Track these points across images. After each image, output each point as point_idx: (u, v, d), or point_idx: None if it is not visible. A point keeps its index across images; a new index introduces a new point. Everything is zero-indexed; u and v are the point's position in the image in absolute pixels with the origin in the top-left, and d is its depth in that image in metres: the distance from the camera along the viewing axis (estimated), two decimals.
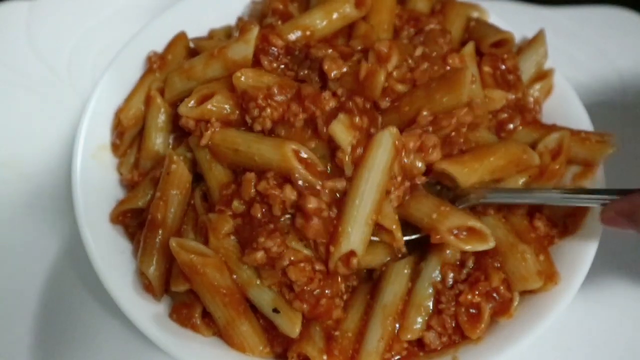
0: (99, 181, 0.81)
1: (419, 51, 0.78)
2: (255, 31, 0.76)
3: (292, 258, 0.67)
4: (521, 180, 0.79)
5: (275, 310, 0.68)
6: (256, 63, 0.78)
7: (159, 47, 0.90)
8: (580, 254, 0.75)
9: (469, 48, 0.85)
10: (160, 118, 0.83)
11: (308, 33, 0.79)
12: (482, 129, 0.79)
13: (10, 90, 1.04)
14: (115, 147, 0.85)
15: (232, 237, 0.71)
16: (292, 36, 0.79)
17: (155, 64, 0.87)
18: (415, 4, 0.90)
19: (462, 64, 0.79)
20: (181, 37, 0.90)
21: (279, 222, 0.69)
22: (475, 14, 0.93)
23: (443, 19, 0.88)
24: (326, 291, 0.68)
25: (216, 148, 0.73)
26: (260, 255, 0.67)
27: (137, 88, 0.87)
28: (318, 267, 0.68)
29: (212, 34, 0.93)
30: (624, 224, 0.66)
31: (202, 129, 0.74)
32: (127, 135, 0.84)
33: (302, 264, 0.67)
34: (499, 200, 0.75)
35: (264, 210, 0.69)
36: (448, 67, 0.78)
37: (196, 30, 0.92)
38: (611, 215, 0.67)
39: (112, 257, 0.76)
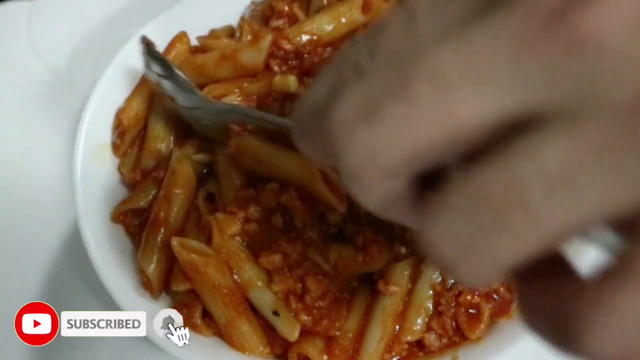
0: (99, 181, 0.81)
1: None
2: (268, 39, 0.76)
3: (308, 269, 0.68)
4: None
5: (276, 313, 0.68)
6: (265, 66, 0.78)
7: (160, 47, 0.90)
8: (580, 255, 0.75)
9: None
10: (164, 117, 0.83)
11: (315, 38, 0.79)
12: None
13: (10, 90, 1.04)
14: (116, 147, 0.85)
15: (237, 238, 0.71)
16: (299, 40, 0.79)
17: None
18: None
19: None
20: (182, 36, 0.90)
21: (302, 233, 0.69)
22: None
23: None
24: (332, 314, 0.69)
25: (238, 156, 0.73)
26: (278, 258, 0.67)
27: (138, 88, 0.87)
28: (332, 288, 0.69)
29: (213, 34, 0.93)
30: None
31: None
32: (128, 135, 0.84)
33: (320, 277, 0.68)
34: None
35: (285, 220, 0.70)
36: None
37: (196, 30, 0.92)
38: None
39: (112, 257, 0.76)
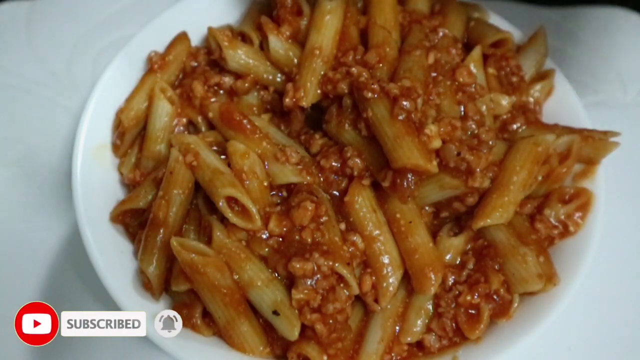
0: (99, 181, 0.81)
1: (431, 58, 0.79)
2: None
3: (333, 283, 0.68)
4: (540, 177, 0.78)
5: (275, 313, 0.68)
6: None
7: (159, 47, 0.90)
8: (579, 255, 0.75)
9: (476, 53, 0.84)
10: (163, 118, 0.83)
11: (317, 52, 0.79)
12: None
13: (10, 90, 1.04)
14: (116, 148, 0.85)
15: (240, 239, 0.72)
16: None
17: (156, 64, 0.87)
18: (416, 4, 0.90)
19: (470, 79, 0.79)
20: (182, 37, 0.90)
21: (337, 248, 0.70)
22: (475, 14, 0.93)
23: (443, 19, 0.88)
24: (342, 332, 0.70)
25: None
26: (310, 267, 0.67)
27: (138, 88, 0.86)
28: (349, 311, 0.70)
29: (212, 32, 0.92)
30: None
31: None
32: (128, 136, 0.84)
33: (346, 292, 0.69)
34: None
35: (315, 235, 0.70)
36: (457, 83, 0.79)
37: (196, 30, 0.92)
38: None
39: (112, 257, 0.76)
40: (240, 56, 0.84)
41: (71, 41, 1.09)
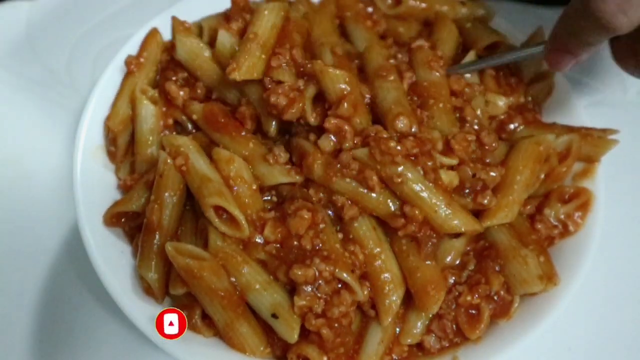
0: (99, 181, 0.81)
1: (405, 83, 0.79)
2: None
3: (336, 287, 0.68)
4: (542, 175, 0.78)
5: (274, 316, 0.68)
6: None
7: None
8: (579, 255, 0.75)
9: (471, 57, 0.85)
10: (149, 119, 0.82)
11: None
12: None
13: (10, 90, 1.04)
14: (111, 155, 0.84)
15: (236, 243, 0.71)
16: None
17: (132, 65, 0.86)
18: (396, 28, 0.89)
19: (463, 85, 0.80)
20: (153, 33, 0.89)
21: (338, 254, 0.70)
22: (480, 12, 0.93)
23: (433, 40, 0.88)
24: (346, 337, 0.70)
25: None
26: (311, 273, 0.67)
27: (120, 93, 0.85)
28: (353, 315, 0.70)
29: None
30: (565, 57, 0.73)
31: None
32: (120, 141, 0.83)
33: (348, 296, 0.68)
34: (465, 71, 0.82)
35: (314, 243, 0.70)
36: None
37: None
38: (553, 55, 0.74)
39: (112, 257, 0.75)
40: (188, 45, 0.84)
41: (71, 41, 1.09)
